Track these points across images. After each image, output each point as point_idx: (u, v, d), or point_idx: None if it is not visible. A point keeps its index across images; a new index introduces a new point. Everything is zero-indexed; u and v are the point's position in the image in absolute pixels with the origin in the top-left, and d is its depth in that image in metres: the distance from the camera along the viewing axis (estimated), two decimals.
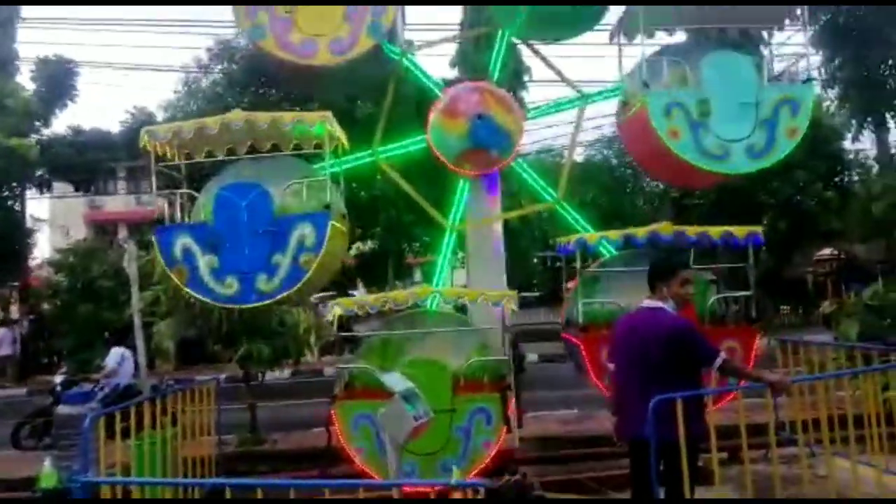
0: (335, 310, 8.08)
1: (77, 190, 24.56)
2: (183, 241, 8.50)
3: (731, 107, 8.64)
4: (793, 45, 18.00)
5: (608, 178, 22.51)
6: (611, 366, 4.98)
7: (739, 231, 8.52)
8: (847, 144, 19.24)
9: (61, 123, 22.07)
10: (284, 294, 8.40)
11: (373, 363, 8.10)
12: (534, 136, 19.98)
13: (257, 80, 17.51)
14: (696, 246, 8.80)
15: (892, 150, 19.03)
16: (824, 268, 25.65)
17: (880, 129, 18.36)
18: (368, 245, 22.05)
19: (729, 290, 9.05)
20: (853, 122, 18.54)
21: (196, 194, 8.69)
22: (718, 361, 4.39)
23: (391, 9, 9.31)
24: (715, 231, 8.52)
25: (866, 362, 7.10)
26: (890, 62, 17.61)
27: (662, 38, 10.18)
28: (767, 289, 17.22)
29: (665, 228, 8.46)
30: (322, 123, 8.44)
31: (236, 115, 8.43)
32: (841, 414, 5.90)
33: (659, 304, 4.62)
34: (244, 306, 8.61)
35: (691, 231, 8.57)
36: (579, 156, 21.99)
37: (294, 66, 9.18)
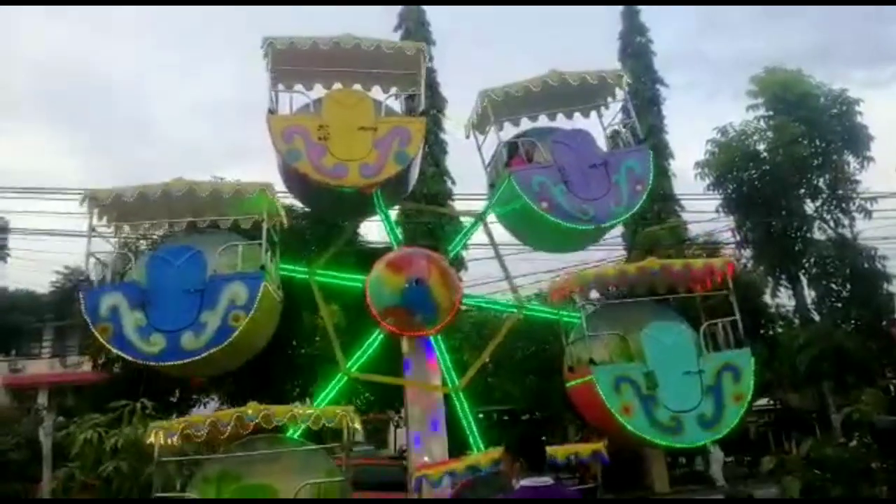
0: (154, 435, 7.61)
1: None
2: (110, 300, 8.37)
3: (677, 377, 8.88)
4: (708, 213, 19.80)
5: (546, 332, 22.88)
6: None
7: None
8: (767, 299, 20.44)
9: None
10: (211, 352, 8.14)
11: (202, 491, 7.63)
12: (474, 290, 20.44)
13: None
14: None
15: (809, 303, 20.29)
16: (763, 418, 26.08)
17: (795, 283, 19.72)
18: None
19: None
20: (769, 279, 19.90)
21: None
22: None
23: (417, 139, 10.00)
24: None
25: None
26: (794, 225, 19.43)
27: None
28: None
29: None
30: (262, 192, 8.68)
31: (177, 183, 8.50)
32: None
33: (549, 480, 4.20)
34: (167, 364, 8.26)
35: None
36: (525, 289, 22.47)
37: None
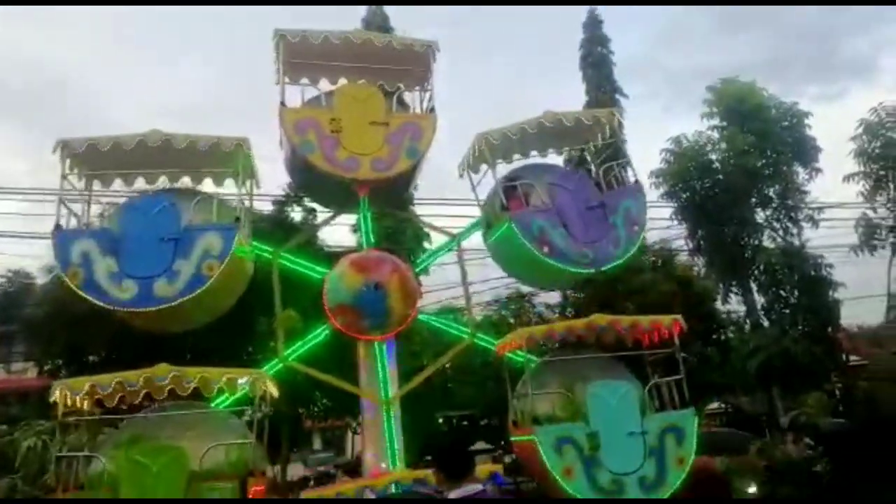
0: (58, 393, 7.63)
1: None
2: (82, 245, 8.33)
3: (620, 438, 8.73)
4: (663, 220, 20.22)
5: (507, 333, 22.99)
6: None
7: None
8: (719, 305, 20.97)
9: None
10: (184, 299, 8.21)
11: (111, 455, 7.63)
12: (436, 296, 20.44)
13: None
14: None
15: (759, 309, 20.86)
16: (715, 421, 26.69)
17: (745, 291, 20.29)
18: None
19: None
20: (720, 285, 20.43)
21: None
22: None
23: (428, 134, 10.09)
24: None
25: None
26: (745, 233, 20.01)
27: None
28: None
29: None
30: (239, 146, 8.78)
31: (154, 134, 8.45)
32: None
33: (479, 486, 4.33)
34: (138, 309, 8.26)
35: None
36: (478, 314, 22.56)
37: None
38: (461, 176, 11.01)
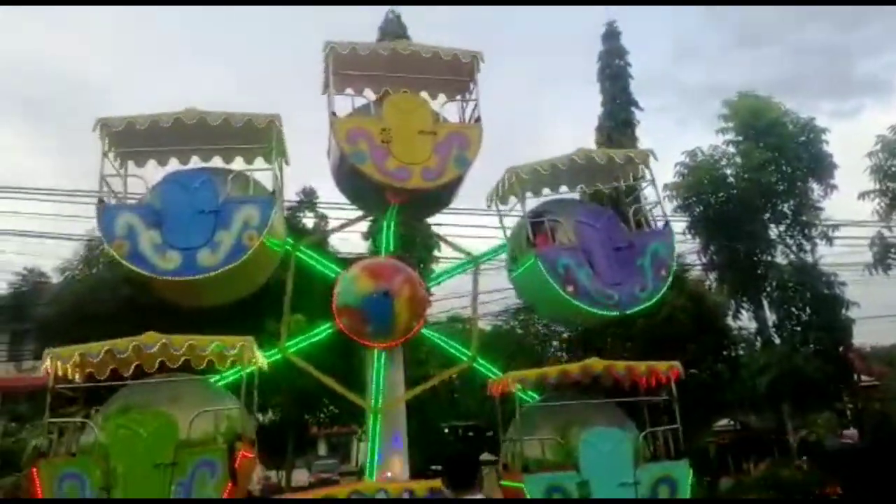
0: (49, 360, 7.80)
1: None
2: (126, 219, 8.68)
3: (612, 488, 8.54)
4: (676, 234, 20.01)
5: (515, 347, 22.98)
6: None
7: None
8: (730, 321, 20.78)
9: None
10: (227, 267, 8.52)
11: (101, 424, 7.81)
12: (445, 304, 20.44)
13: None
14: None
15: (770, 326, 20.66)
16: (723, 439, 26.45)
17: (756, 307, 20.10)
18: (269, 416, 20.85)
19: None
20: (732, 301, 20.25)
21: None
22: None
23: (475, 143, 10.19)
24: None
25: None
26: (758, 249, 19.83)
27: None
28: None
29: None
30: (272, 122, 8.96)
31: (189, 112, 8.58)
32: None
33: (479, 495, 4.43)
34: (185, 278, 8.54)
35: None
36: (487, 324, 22.56)
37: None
38: (489, 207, 11.07)
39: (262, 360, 8.62)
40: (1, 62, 79.64)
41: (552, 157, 10.37)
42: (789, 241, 19.79)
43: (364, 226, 20.96)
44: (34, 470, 7.42)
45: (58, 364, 7.86)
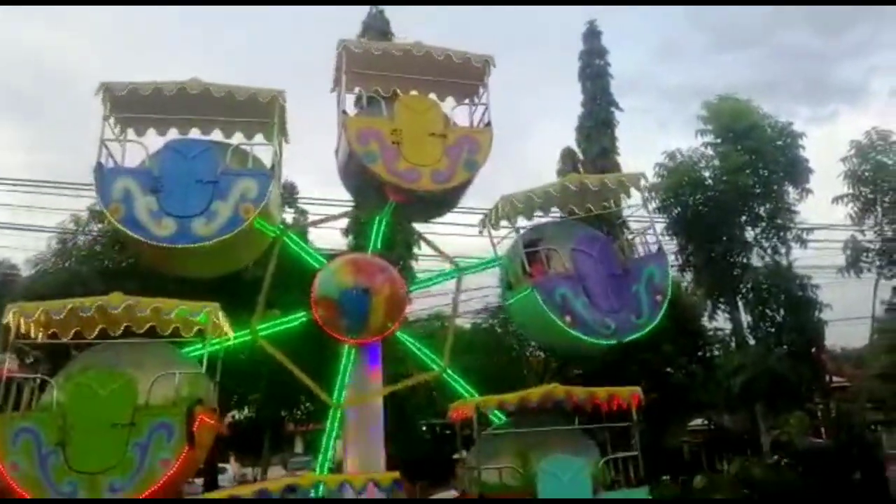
0: (12, 315, 7.86)
1: None
2: (123, 183, 8.70)
3: None
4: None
5: (494, 345, 23.01)
6: None
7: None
8: (705, 322, 21.02)
9: None
10: (221, 238, 8.59)
11: (62, 384, 7.82)
12: (425, 302, 20.40)
13: None
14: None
15: (745, 327, 20.96)
16: (697, 438, 26.78)
17: (732, 308, 20.36)
18: (245, 412, 20.64)
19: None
20: (708, 302, 20.48)
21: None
22: None
23: (485, 147, 10.24)
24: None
25: None
26: (734, 251, 20.08)
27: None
28: (646, 458, 17.64)
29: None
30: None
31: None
32: None
33: (454, 492, 4.38)
34: (178, 246, 8.63)
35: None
36: (467, 322, 22.55)
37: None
38: (481, 233, 11.10)
39: (227, 329, 8.58)
40: None
41: (544, 183, 10.61)
42: (765, 244, 20.08)
43: (344, 222, 20.88)
44: None
45: (21, 320, 7.83)
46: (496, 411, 9.78)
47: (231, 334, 8.98)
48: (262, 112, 9.37)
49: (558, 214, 11.54)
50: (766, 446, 18.71)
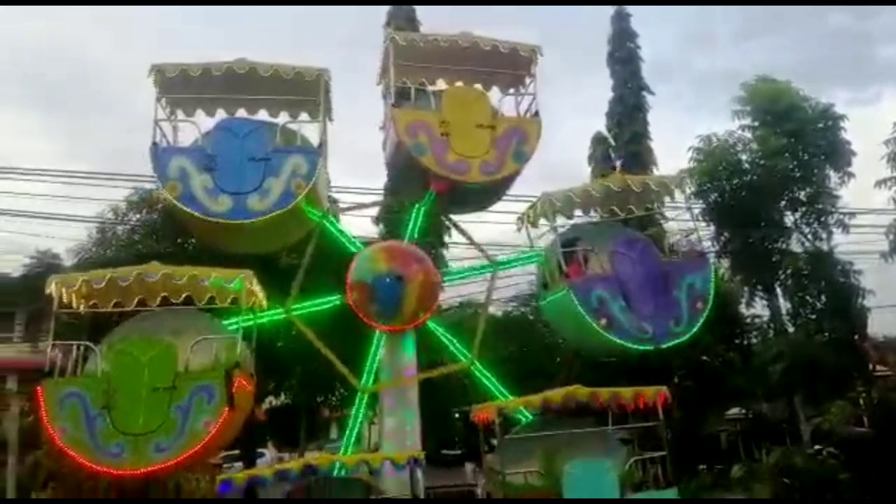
0: (54, 286, 8.18)
1: None
2: (179, 162, 9.01)
3: None
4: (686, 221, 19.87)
5: (525, 334, 22.92)
6: None
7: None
8: (743, 309, 20.63)
9: None
10: (276, 213, 8.85)
11: (103, 352, 8.21)
12: (457, 290, 20.41)
13: (177, 229, 17.37)
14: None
15: (784, 314, 20.52)
16: (735, 427, 26.37)
17: (770, 295, 19.93)
18: (281, 399, 20.94)
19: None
20: (745, 289, 20.08)
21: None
22: None
23: (533, 137, 10.18)
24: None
25: None
26: (773, 236, 19.63)
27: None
28: (683, 448, 17.42)
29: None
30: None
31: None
32: None
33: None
34: (233, 221, 8.91)
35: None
36: (498, 310, 22.50)
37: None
38: (519, 230, 11.06)
39: (261, 298, 8.77)
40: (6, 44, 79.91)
41: (584, 183, 10.49)
42: (805, 229, 19.57)
43: (376, 210, 20.97)
44: (39, 389, 7.71)
45: (63, 290, 8.07)
46: (524, 411, 9.74)
47: (265, 304, 9.21)
48: (306, 90, 9.52)
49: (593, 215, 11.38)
50: (805, 435, 18.33)
